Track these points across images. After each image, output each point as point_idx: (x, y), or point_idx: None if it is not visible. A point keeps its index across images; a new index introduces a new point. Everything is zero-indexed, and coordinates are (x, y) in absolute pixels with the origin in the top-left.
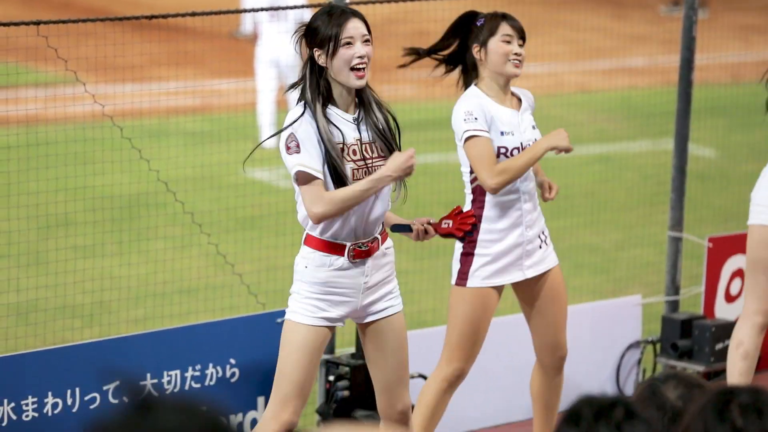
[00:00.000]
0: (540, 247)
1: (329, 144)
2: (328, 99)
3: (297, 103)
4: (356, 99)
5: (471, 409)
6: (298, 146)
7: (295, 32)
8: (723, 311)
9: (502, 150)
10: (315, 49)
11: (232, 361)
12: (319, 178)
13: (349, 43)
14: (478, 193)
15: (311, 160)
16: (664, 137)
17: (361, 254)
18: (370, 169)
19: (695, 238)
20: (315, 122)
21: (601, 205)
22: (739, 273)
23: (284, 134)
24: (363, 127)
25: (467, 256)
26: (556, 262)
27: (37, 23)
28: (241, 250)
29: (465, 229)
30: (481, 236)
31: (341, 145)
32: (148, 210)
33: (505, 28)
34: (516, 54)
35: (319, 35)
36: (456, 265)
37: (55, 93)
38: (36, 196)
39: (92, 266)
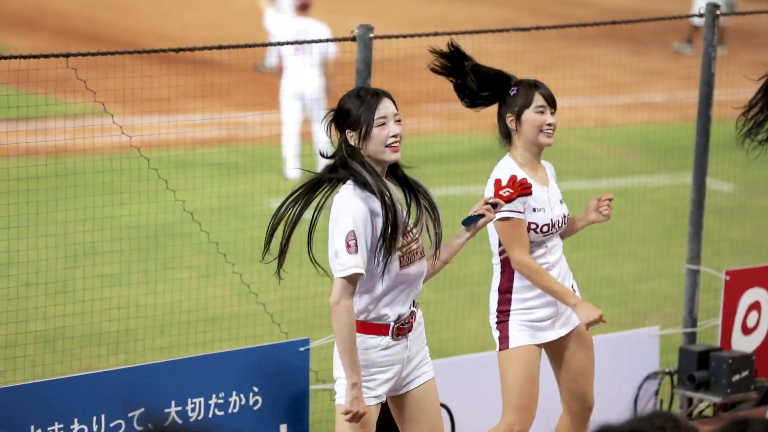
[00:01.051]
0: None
1: (394, 226)
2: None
3: (342, 185)
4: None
5: None
6: (357, 245)
7: (324, 117)
8: (740, 343)
9: (533, 226)
10: (347, 131)
11: (255, 389)
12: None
13: (383, 123)
14: (507, 264)
15: (362, 259)
16: (681, 171)
17: (403, 331)
18: (406, 255)
19: (713, 271)
20: (374, 205)
21: (619, 237)
22: (755, 306)
23: (345, 227)
24: (398, 209)
25: (503, 324)
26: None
27: (67, 56)
28: (264, 279)
29: (526, 192)
30: (514, 306)
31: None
32: (174, 240)
33: (538, 99)
34: (548, 124)
35: (351, 117)
36: (495, 333)
37: (84, 124)
38: (64, 226)
39: (118, 295)
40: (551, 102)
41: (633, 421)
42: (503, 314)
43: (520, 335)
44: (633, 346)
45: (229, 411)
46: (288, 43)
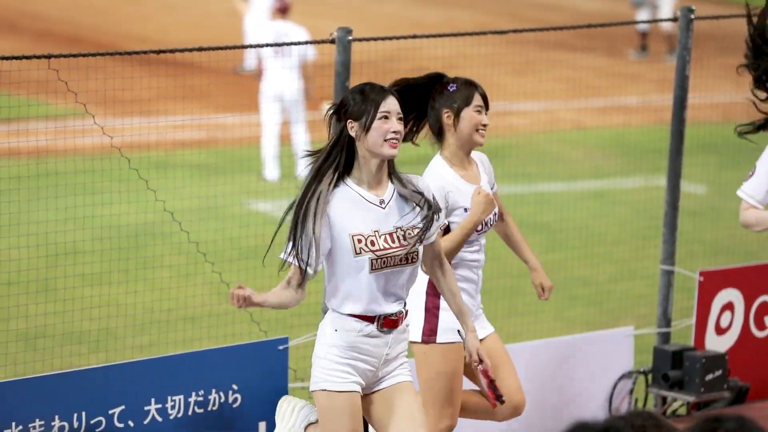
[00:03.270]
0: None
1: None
2: (344, 174)
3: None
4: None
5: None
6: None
7: (328, 110)
8: (713, 343)
9: None
10: (349, 121)
11: (235, 386)
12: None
13: (385, 117)
14: None
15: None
16: (656, 174)
17: (390, 324)
18: (386, 259)
19: (687, 272)
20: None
21: (594, 239)
22: (729, 306)
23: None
24: (389, 212)
25: (433, 315)
26: (493, 329)
27: (48, 57)
28: (243, 279)
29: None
30: (443, 302)
31: (359, 236)
32: (154, 239)
33: (477, 99)
34: (484, 125)
35: (355, 107)
36: (420, 321)
37: (65, 125)
38: (45, 226)
39: (99, 294)
40: (486, 103)
41: (611, 419)
42: (434, 303)
43: (449, 331)
44: (608, 345)
45: (209, 409)
46: (267, 45)
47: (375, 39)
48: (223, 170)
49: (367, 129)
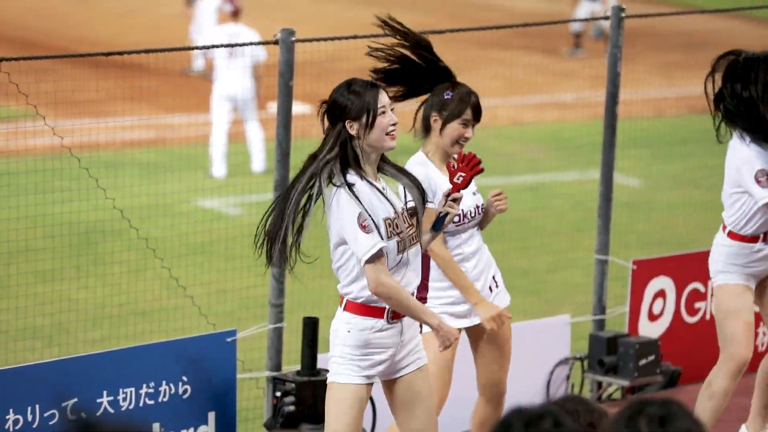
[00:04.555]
0: (491, 291)
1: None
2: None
3: (333, 180)
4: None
5: None
6: (369, 225)
7: (319, 110)
8: (646, 329)
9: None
10: (348, 122)
11: (185, 378)
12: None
13: (384, 112)
14: (425, 254)
15: (378, 235)
16: (591, 167)
17: (398, 315)
18: (405, 241)
19: (621, 261)
20: (363, 197)
21: (532, 231)
22: (661, 293)
23: (352, 214)
24: (390, 197)
25: None
26: (506, 303)
27: (0, 60)
28: (192, 274)
29: (478, 169)
30: (431, 293)
31: (388, 220)
32: (105, 236)
33: (468, 114)
34: (466, 138)
35: (354, 108)
36: None
37: (17, 127)
38: None
39: (51, 290)
40: (477, 115)
41: (546, 404)
42: (421, 301)
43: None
44: (545, 333)
45: (159, 400)
46: (213, 47)
47: (317, 39)
48: (171, 168)
49: (370, 127)
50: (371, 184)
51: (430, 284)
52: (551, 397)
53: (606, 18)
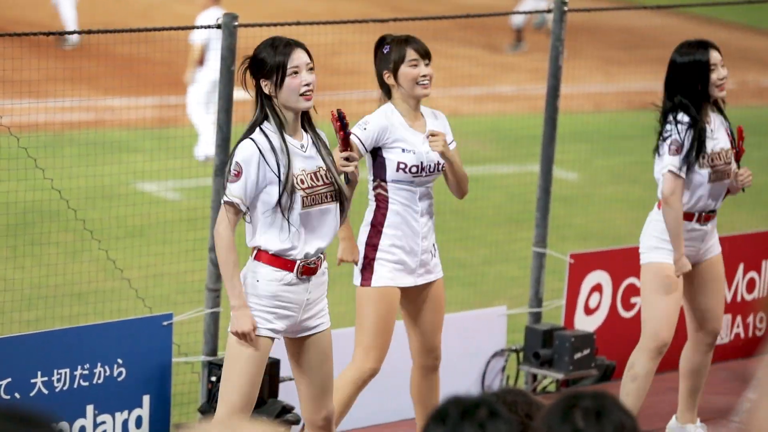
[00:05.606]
0: (432, 257)
1: (284, 171)
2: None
3: (248, 131)
4: (302, 125)
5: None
6: (241, 176)
7: (241, 65)
8: (582, 323)
9: (401, 165)
10: (262, 80)
11: (120, 361)
12: (240, 210)
13: (295, 72)
14: (381, 200)
15: (243, 191)
16: (530, 160)
17: (308, 271)
18: (315, 197)
19: (558, 254)
20: (273, 145)
21: (470, 222)
22: (597, 288)
23: (231, 161)
24: (310, 154)
25: (369, 260)
26: (442, 275)
27: None
28: (129, 256)
29: (342, 135)
30: (383, 241)
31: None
32: (42, 217)
33: (411, 53)
34: (423, 75)
35: (266, 67)
36: (359, 269)
37: None
38: None
39: None
40: (424, 54)
41: (484, 395)
42: (371, 249)
43: (383, 275)
44: (481, 325)
45: (94, 382)
46: (156, 29)
47: (260, 25)
48: (110, 151)
49: (279, 86)
50: (284, 139)
51: (385, 231)
52: (487, 388)
53: (549, 11)
